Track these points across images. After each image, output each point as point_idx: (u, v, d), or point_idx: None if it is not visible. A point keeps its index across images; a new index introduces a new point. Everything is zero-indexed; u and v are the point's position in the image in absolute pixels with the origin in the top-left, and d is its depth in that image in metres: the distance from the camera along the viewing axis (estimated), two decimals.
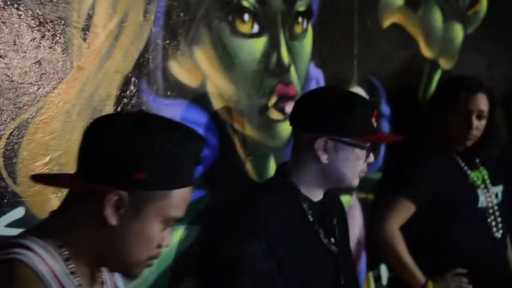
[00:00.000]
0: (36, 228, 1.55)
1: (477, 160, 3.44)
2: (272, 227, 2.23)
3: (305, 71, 2.93)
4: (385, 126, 3.45)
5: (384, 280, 3.46)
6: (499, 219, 3.39)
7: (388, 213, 3.26)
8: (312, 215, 2.34)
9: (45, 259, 1.47)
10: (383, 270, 3.46)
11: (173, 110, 2.33)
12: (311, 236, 2.34)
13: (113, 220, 1.52)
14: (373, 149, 2.40)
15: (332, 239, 2.40)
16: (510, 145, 3.69)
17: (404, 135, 2.60)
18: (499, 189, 3.45)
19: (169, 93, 2.32)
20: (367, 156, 2.36)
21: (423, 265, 3.33)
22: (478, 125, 3.35)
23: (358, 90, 3.24)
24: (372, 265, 3.38)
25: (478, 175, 3.41)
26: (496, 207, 3.40)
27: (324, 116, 2.31)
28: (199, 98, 2.43)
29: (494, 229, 3.38)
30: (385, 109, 3.45)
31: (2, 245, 1.48)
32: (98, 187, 1.50)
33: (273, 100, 2.74)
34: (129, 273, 1.60)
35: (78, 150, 1.57)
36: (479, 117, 3.35)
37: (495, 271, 3.39)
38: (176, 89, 2.34)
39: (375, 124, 2.34)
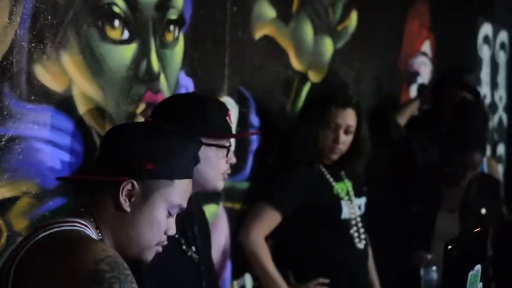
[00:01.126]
0: (78, 214, 1.85)
1: (342, 172, 3.52)
2: None
3: (175, 80, 2.93)
4: (254, 136, 3.48)
5: None
6: (361, 230, 3.48)
7: (253, 222, 3.30)
8: None
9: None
10: (248, 280, 3.49)
11: (37, 114, 2.26)
12: (172, 245, 2.33)
13: (126, 206, 1.84)
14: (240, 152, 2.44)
15: (194, 248, 2.40)
16: (376, 158, 3.81)
17: (261, 132, 2.65)
18: (362, 201, 3.55)
19: (33, 98, 2.25)
20: (228, 156, 2.38)
21: (289, 274, 3.39)
22: (345, 139, 3.42)
23: (228, 100, 3.25)
24: (237, 274, 3.40)
25: (342, 187, 3.49)
26: (358, 219, 3.49)
27: (182, 119, 2.31)
28: (65, 104, 2.38)
29: (357, 240, 3.47)
30: (255, 120, 3.48)
31: (62, 220, 1.80)
32: (113, 178, 1.83)
33: (141, 107, 2.72)
34: (142, 257, 1.89)
35: (98, 151, 1.94)
36: (346, 132, 3.42)
37: (357, 281, 3.49)
38: (40, 94, 2.28)
39: (231, 123, 2.39)
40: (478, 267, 1.94)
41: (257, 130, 3.47)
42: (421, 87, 4.99)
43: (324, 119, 3.40)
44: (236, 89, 3.34)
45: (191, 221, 2.43)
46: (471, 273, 1.89)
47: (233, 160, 2.44)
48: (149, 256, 1.90)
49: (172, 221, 1.91)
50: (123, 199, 1.84)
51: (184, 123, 2.28)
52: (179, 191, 1.88)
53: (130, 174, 1.84)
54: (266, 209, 3.32)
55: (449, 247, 1.71)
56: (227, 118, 2.39)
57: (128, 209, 1.84)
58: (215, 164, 2.35)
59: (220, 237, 3.27)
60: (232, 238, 3.35)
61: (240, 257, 3.34)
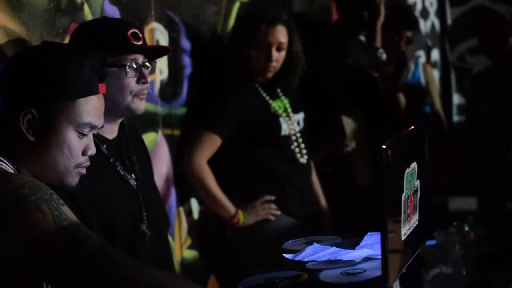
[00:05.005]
0: None
1: (278, 90, 3.52)
2: None
3: (100, 9, 2.86)
4: (187, 61, 3.44)
5: (196, 213, 3.51)
6: (302, 145, 3.51)
7: (194, 147, 3.29)
8: (107, 149, 2.32)
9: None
10: (194, 204, 3.50)
11: None
12: (108, 170, 2.32)
13: (30, 136, 1.81)
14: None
15: (133, 175, 2.39)
16: (310, 73, 3.82)
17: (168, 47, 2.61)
18: (300, 116, 3.56)
19: None
20: (139, 75, 2.33)
21: (235, 195, 3.41)
22: (278, 57, 3.42)
23: (157, 26, 3.20)
24: (183, 200, 3.41)
25: (279, 104, 3.49)
26: (298, 134, 3.51)
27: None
28: None
29: (299, 155, 3.50)
30: (186, 44, 3.44)
31: None
32: (9, 110, 1.81)
33: (67, 40, 2.66)
34: (64, 182, 1.87)
35: None
36: (279, 49, 3.42)
37: (302, 195, 3.53)
38: None
39: (134, 40, 2.33)
40: (414, 164, 1.96)
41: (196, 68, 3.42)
42: None
43: (255, 38, 3.38)
44: (164, 14, 3.28)
45: (127, 150, 2.41)
46: (407, 171, 1.91)
47: (147, 80, 2.36)
48: (72, 180, 1.89)
49: (87, 140, 1.88)
50: (25, 129, 1.80)
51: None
52: (85, 110, 1.85)
53: (27, 103, 1.81)
54: (206, 134, 3.31)
55: (383, 146, 1.72)
56: (128, 35, 2.31)
57: (32, 138, 1.82)
58: (119, 85, 2.30)
59: (162, 165, 3.26)
60: (174, 164, 3.34)
61: (184, 183, 3.35)
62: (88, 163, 1.90)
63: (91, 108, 1.86)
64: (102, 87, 1.91)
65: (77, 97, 1.84)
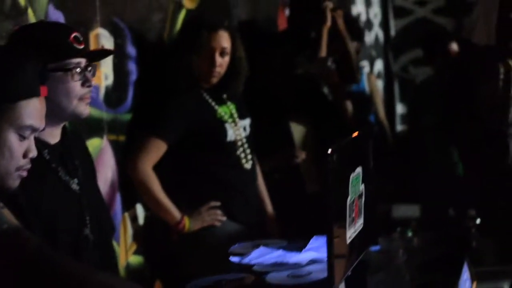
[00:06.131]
0: None
1: (224, 96, 3.54)
2: None
3: (44, 14, 2.83)
4: (132, 67, 3.43)
5: (141, 219, 3.49)
6: (248, 151, 3.52)
7: (140, 153, 3.28)
8: (49, 154, 2.29)
9: None
10: (139, 210, 3.48)
11: None
12: (50, 176, 2.29)
13: None
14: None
15: (75, 179, 2.37)
16: (258, 80, 3.85)
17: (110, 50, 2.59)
18: (246, 122, 3.58)
19: None
20: (84, 79, 2.32)
21: (181, 200, 3.40)
22: (222, 62, 3.44)
23: (102, 32, 3.19)
24: (128, 206, 3.39)
25: (225, 110, 3.50)
26: (244, 140, 3.52)
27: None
28: None
29: (244, 160, 3.51)
30: (131, 50, 3.43)
31: None
32: None
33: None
34: (5, 185, 1.84)
35: None
36: (222, 54, 3.44)
37: (246, 201, 3.54)
38: None
39: (77, 45, 2.30)
40: (359, 169, 1.99)
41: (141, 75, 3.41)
42: None
43: (197, 44, 3.40)
44: (110, 20, 3.27)
45: (69, 154, 2.39)
46: (352, 175, 1.93)
47: (91, 82, 2.33)
48: (12, 183, 1.86)
49: (28, 142, 1.86)
50: None
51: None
52: (26, 112, 1.82)
53: None
54: (151, 140, 3.30)
55: (329, 151, 1.74)
56: (71, 39, 2.29)
57: None
58: (65, 89, 2.29)
59: (107, 171, 3.23)
60: (119, 170, 3.32)
61: (130, 188, 3.33)
62: (29, 166, 1.88)
63: (32, 110, 1.84)
64: (43, 89, 1.88)
65: (18, 99, 1.81)
